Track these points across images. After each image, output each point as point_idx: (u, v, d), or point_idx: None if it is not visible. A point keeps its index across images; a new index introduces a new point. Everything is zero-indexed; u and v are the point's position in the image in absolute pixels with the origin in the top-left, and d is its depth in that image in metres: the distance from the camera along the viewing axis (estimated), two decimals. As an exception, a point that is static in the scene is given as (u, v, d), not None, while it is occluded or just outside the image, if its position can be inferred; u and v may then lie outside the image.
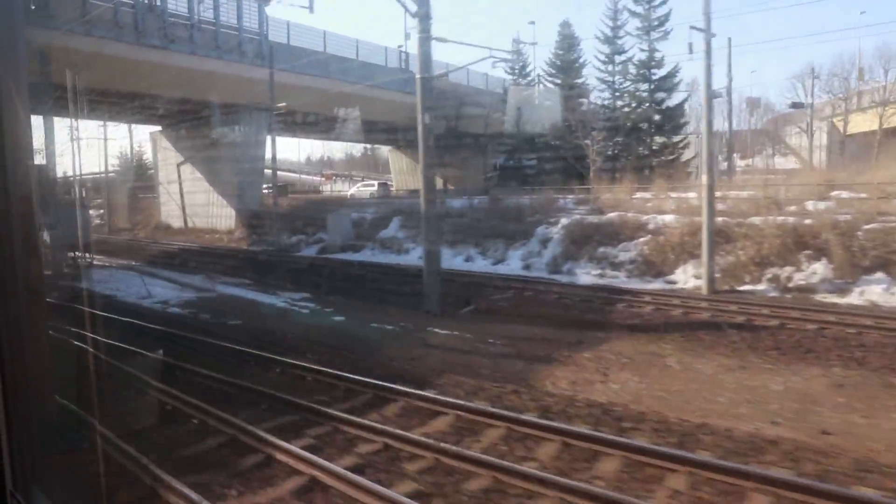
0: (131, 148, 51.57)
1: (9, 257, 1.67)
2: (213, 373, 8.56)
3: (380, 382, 7.89)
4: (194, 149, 33.88)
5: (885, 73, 38.62)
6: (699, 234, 17.21)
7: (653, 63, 30.46)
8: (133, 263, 24.78)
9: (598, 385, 8.90)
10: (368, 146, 75.91)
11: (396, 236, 24.13)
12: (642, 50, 30.74)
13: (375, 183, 48.73)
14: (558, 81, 34.01)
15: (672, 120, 31.22)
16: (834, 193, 20.07)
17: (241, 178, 31.59)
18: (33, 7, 21.32)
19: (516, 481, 5.32)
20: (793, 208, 18.65)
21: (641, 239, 18.56)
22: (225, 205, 32.53)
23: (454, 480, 5.45)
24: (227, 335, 11.53)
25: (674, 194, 23.70)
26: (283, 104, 27.22)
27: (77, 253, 22.18)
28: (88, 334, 10.93)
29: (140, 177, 48.42)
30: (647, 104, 30.85)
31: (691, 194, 23.08)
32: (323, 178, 60.53)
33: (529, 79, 34.79)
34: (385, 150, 73.38)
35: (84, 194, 32.93)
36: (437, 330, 12.12)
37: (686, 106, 32.26)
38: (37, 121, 25.12)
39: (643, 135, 31.39)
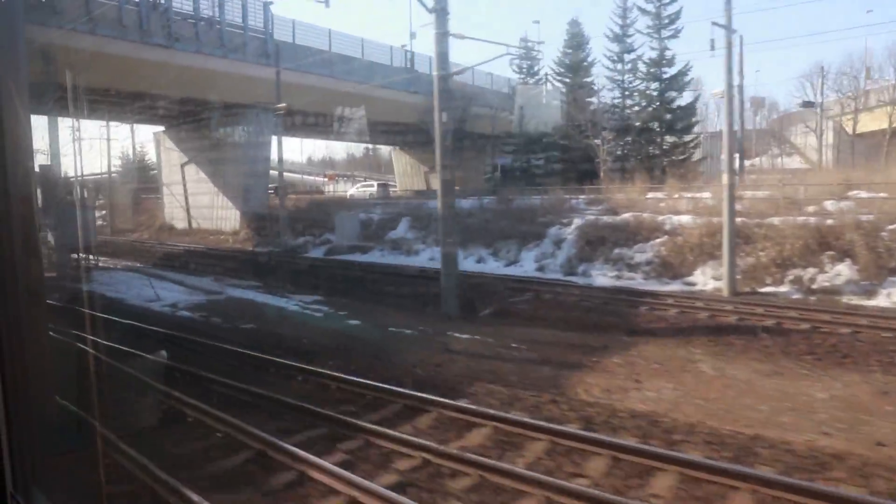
0: (133, 148, 51.22)
1: (9, 258, 1.66)
2: (233, 381, 8.21)
3: (409, 391, 7.55)
4: (198, 149, 33.51)
5: (895, 71, 38.30)
6: (718, 234, 16.89)
7: (664, 61, 30.10)
8: (138, 265, 24.44)
9: (632, 392, 8.56)
10: (370, 146, 75.65)
11: (405, 237, 23.79)
12: (653, 48, 30.48)
13: (375, 184, 48.40)
14: (567, 80, 33.65)
15: (683, 119, 30.86)
16: (852, 193, 19.71)
17: (246, 179, 31.23)
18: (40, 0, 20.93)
19: (569, 501, 4.97)
20: (812, 208, 18.29)
21: (658, 240, 18.24)
22: (229, 206, 32.16)
23: (502, 500, 5.11)
24: (242, 340, 11.17)
25: (687, 194, 23.33)
26: (287, 104, 26.83)
27: (81, 254, 21.83)
28: (99, 340, 10.58)
29: (142, 177, 48.03)
30: (658, 103, 30.47)
31: (705, 194, 22.73)
32: (326, 179, 60.11)
33: (538, 78, 34.50)
34: (387, 151, 73.27)
35: (86, 195, 32.55)
36: (457, 334, 11.77)
37: (696, 105, 31.89)
38: (41, 121, 24.79)
39: (653, 134, 31.02)
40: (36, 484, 1.75)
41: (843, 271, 14.82)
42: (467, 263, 19.96)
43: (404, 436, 6.24)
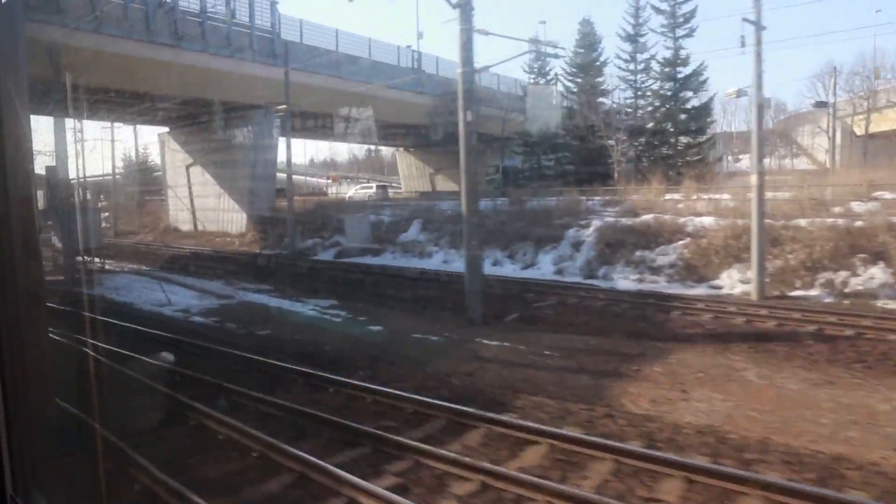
0: (136, 150, 50.72)
1: (9, 260, 1.67)
2: (259, 393, 7.74)
3: (452, 405, 7.08)
4: (203, 151, 33.04)
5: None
6: (744, 236, 16.47)
7: (678, 61, 29.63)
8: (145, 268, 23.96)
9: (680, 404, 8.10)
10: (372, 148, 75.20)
11: (417, 239, 23.33)
12: (667, 48, 30.00)
13: (374, 185, 48.00)
14: (579, 80, 33.19)
15: (698, 119, 30.39)
16: (877, 194, 19.30)
17: (252, 181, 30.77)
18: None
19: (649, 531, 4.51)
20: (837, 209, 17.87)
21: (680, 242, 17.80)
22: (235, 208, 31.70)
23: (577, 530, 4.64)
24: (260, 348, 10.70)
25: (704, 196, 22.92)
26: (294, 105, 26.35)
27: (87, 258, 21.35)
28: (112, 348, 10.13)
29: (146, 179, 47.53)
30: (672, 103, 30.00)
31: (724, 196, 22.32)
32: (329, 180, 59.67)
33: (549, 78, 34.04)
34: (389, 153, 72.78)
35: (89, 197, 32.10)
36: (485, 341, 11.31)
37: (711, 105, 31.41)
38: (47, 122, 24.34)
39: (667, 135, 30.54)
40: (36, 486, 1.73)
41: (878, 274, 14.39)
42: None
43: (456, 455, 5.77)
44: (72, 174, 25.26)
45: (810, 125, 46.84)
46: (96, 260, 22.62)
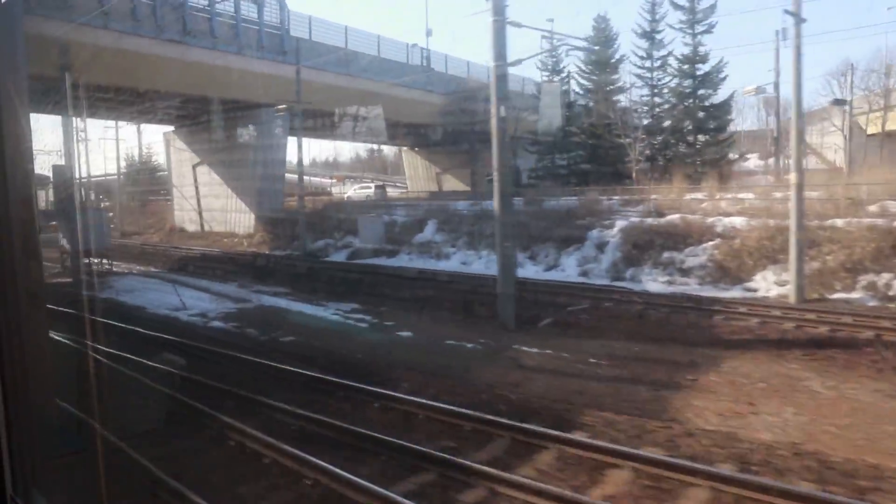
0: (140, 149, 50.01)
1: (9, 261, 1.67)
2: (300, 409, 7.15)
3: (512, 422, 6.50)
4: (210, 150, 32.41)
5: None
6: (779, 237, 15.92)
7: (697, 57, 29.01)
8: (153, 270, 23.35)
9: (751, 418, 7.55)
10: (375, 147, 74.54)
11: (434, 240, 22.73)
12: (686, 44, 29.35)
13: (373, 185, 47.43)
14: (594, 78, 32.56)
15: (717, 118, 29.79)
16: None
17: (261, 180, 30.17)
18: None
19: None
20: (873, 208, 17.32)
21: (710, 243, 17.23)
22: (243, 208, 31.08)
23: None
24: (288, 357, 10.11)
25: (728, 195, 22.37)
26: (297, 102, 25.72)
27: (95, 259, 20.76)
28: (130, 356, 9.55)
29: (150, 178, 46.84)
30: (691, 101, 29.38)
31: (748, 195, 21.77)
32: (334, 180, 59.10)
33: (563, 76, 33.40)
34: (392, 153, 72.16)
35: (92, 196, 31.46)
36: (524, 348, 10.74)
37: (731, 103, 30.74)
38: (54, 120, 23.76)
39: (686, 133, 29.91)
40: (36, 486, 1.73)
41: (924, 277, 13.83)
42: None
43: (534, 482, 5.19)
44: (78, 173, 24.63)
45: (819, 124, 46.24)
46: (104, 261, 22.01)
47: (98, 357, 8.98)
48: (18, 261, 1.69)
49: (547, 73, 33.20)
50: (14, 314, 1.70)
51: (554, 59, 32.34)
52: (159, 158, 44.28)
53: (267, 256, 25.04)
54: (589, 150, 31.51)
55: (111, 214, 40.58)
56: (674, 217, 18.95)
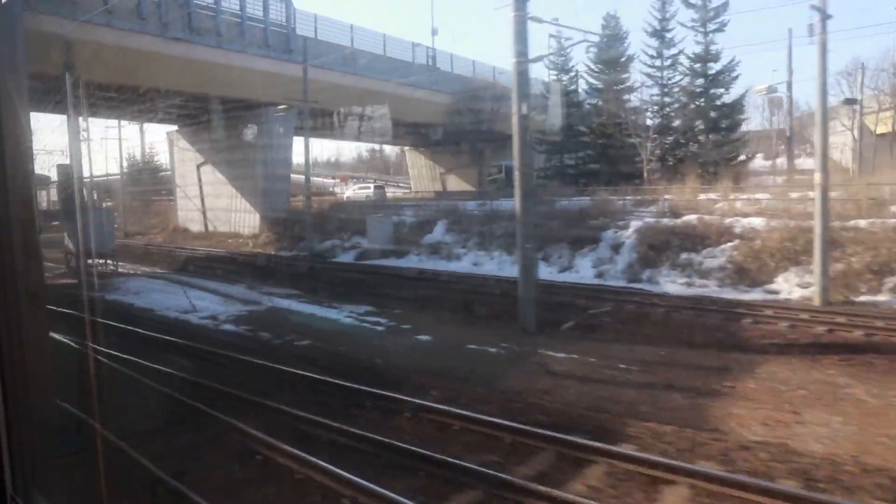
0: (143, 148, 49.64)
1: (9, 261, 1.68)
2: (328, 419, 6.80)
3: (554, 434, 6.16)
4: (215, 149, 32.05)
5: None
6: (800, 238, 15.60)
7: (709, 56, 28.67)
8: (159, 270, 23.00)
9: (796, 428, 7.20)
10: (377, 147, 74.19)
11: (444, 241, 22.38)
12: (697, 42, 28.99)
13: (372, 186, 47.09)
14: (604, 77, 32.22)
15: (730, 117, 29.43)
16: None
17: (266, 180, 29.80)
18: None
19: None
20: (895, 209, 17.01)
21: (729, 244, 16.89)
22: (248, 208, 30.72)
23: None
24: (307, 362, 9.77)
25: (742, 195, 22.05)
26: (303, 102, 25.38)
27: (101, 260, 20.41)
28: (142, 361, 9.21)
29: (153, 178, 46.46)
30: (702, 100, 29.03)
31: (764, 195, 21.45)
32: (337, 180, 58.80)
33: (571, 75, 33.05)
34: (394, 153, 71.79)
35: (97, 196, 31.13)
36: (549, 353, 10.40)
37: (744, 102, 30.39)
38: (55, 119, 23.41)
39: (697, 133, 29.56)
40: (36, 486, 1.72)
41: (953, 279, 13.52)
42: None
43: (585, 500, 4.85)
44: (84, 172, 24.29)
45: (828, 123, 45.92)
46: (109, 262, 21.66)
47: (113, 364, 8.64)
48: (19, 261, 1.70)
49: (555, 73, 32.85)
50: (14, 314, 1.71)
51: (563, 58, 32.03)
52: (162, 158, 43.92)
53: (273, 257, 24.70)
54: (598, 149, 31.19)
55: (116, 214, 40.26)
56: (690, 217, 18.61)
